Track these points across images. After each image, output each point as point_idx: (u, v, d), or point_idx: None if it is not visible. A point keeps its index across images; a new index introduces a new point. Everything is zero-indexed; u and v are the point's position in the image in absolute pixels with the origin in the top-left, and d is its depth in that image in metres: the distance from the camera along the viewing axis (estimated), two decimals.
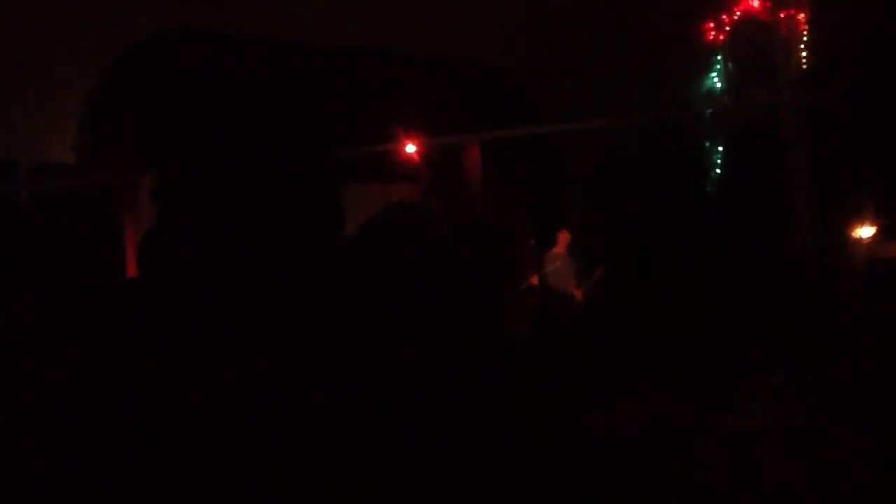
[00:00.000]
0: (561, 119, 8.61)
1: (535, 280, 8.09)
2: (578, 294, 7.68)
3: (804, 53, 7.60)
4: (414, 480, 0.83)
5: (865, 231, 6.20)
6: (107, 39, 7.33)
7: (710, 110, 8.57)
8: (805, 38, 7.73)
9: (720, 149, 8.46)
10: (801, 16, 7.80)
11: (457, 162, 9.34)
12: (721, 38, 8.37)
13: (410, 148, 7.99)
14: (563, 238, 8.15)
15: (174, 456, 0.85)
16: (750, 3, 8.15)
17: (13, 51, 6.84)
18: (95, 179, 5.97)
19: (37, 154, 6.77)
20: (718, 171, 8.45)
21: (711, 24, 8.37)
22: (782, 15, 7.83)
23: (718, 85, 8.40)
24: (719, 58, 8.40)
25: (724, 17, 8.31)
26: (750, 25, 8.20)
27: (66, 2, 7.04)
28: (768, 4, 8.02)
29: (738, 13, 8.22)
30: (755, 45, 8.12)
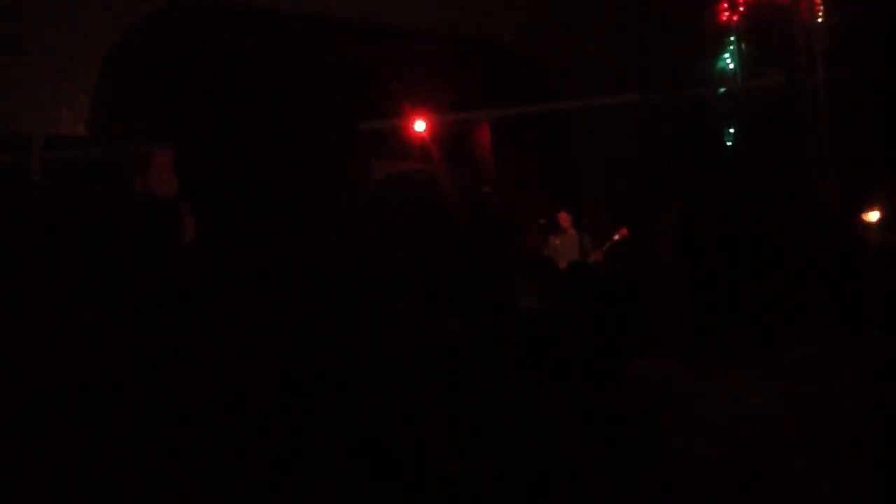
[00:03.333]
0: (573, 97, 8.57)
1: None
2: (598, 257, 7.86)
3: (821, 34, 7.53)
4: (445, 452, 0.85)
5: (873, 214, 6.18)
6: (119, 12, 7.34)
7: (722, 90, 8.52)
8: (821, 18, 7.65)
9: (732, 130, 8.42)
10: None
11: (467, 140, 9.32)
12: (735, 18, 8.31)
13: (420, 125, 7.97)
14: (563, 219, 8.22)
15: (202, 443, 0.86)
16: None
17: (26, 26, 6.85)
18: (108, 151, 6.00)
19: (50, 127, 6.81)
20: (731, 151, 8.43)
21: (725, 5, 8.31)
22: None
23: (731, 66, 8.36)
24: (732, 39, 8.34)
25: None
26: (765, 6, 8.13)
27: None
28: None
29: None
30: (770, 26, 8.05)
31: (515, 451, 0.88)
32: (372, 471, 0.80)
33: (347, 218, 1.00)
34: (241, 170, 0.95)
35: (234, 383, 0.83)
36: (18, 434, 0.91)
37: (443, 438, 0.84)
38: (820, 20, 7.68)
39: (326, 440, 0.81)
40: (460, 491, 0.82)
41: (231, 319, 0.87)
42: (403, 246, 1.37)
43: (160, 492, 0.81)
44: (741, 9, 8.26)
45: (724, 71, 8.41)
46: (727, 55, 8.40)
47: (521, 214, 7.58)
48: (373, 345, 0.86)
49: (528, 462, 0.89)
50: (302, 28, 7.40)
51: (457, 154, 8.80)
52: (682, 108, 8.33)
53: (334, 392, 0.83)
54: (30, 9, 6.85)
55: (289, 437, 0.81)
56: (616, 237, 8.01)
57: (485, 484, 0.84)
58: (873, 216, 6.18)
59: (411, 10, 8.24)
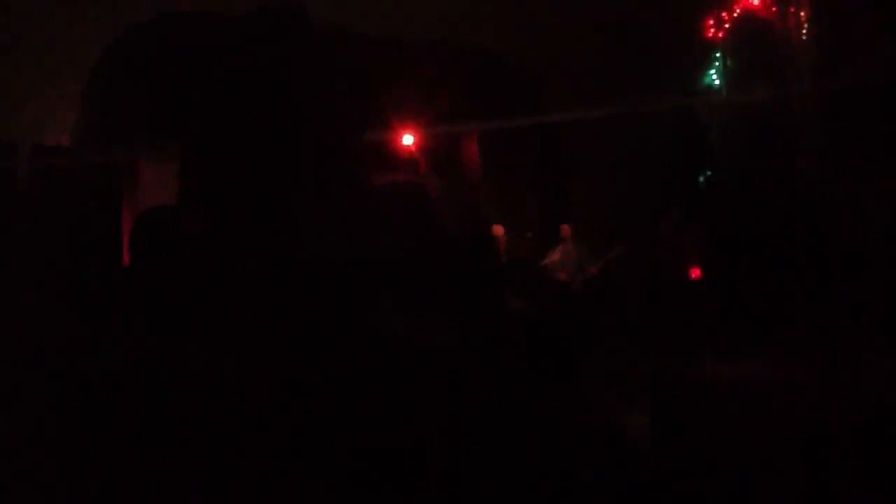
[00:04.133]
0: (564, 109, 8.61)
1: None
2: (594, 270, 7.96)
3: (805, 48, 7.65)
4: (434, 452, 0.85)
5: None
6: (105, 24, 7.33)
7: (709, 103, 8.62)
8: (805, 33, 7.77)
9: (718, 140, 8.51)
10: (802, 13, 7.82)
11: (456, 152, 9.32)
12: (721, 35, 8.40)
13: (409, 138, 7.97)
14: (564, 231, 8.26)
15: (181, 448, 0.86)
16: (749, 0, 8.18)
17: (13, 36, 6.83)
18: (94, 161, 5.98)
19: (36, 137, 6.78)
20: (716, 160, 8.52)
21: (711, 22, 8.40)
22: (783, 12, 7.86)
23: (717, 81, 8.45)
24: (718, 55, 8.43)
25: (724, 14, 8.34)
26: (750, 22, 8.22)
27: None
28: (768, 2, 8.05)
29: (737, 10, 8.25)
30: (756, 42, 8.14)
31: (511, 451, 0.89)
32: (366, 471, 0.81)
33: (346, 218, 1.00)
34: (241, 169, 0.96)
35: (233, 383, 0.83)
36: (20, 433, 0.91)
37: (435, 440, 0.85)
38: (804, 34, 7.79)
39: (320, 441, 0.81)
40: (458, 491, 0.83)
41: (230, 319, 0.88)
42: (393, 253, 1.38)
43: (160, 490, 0.81)
44: (727, 25, 8.36)
45: (711, 84, 8.49)
46: (713, 70, 8.48)
47: (511, 225, 7.62)
48: (363, 351, 0.87)
49: (526, 462, 0.90)
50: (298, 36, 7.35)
51: (448, 165, 8.81)
52: (670, 119, 8.42)
53: (329, 394, 0.83)
54: (18, 20, 6.83)
55: (283, 438, 0.81)
56: (612, 255, 8.06)
57: (481, 484, 0.85)
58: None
59: (404, 20, 8.26)
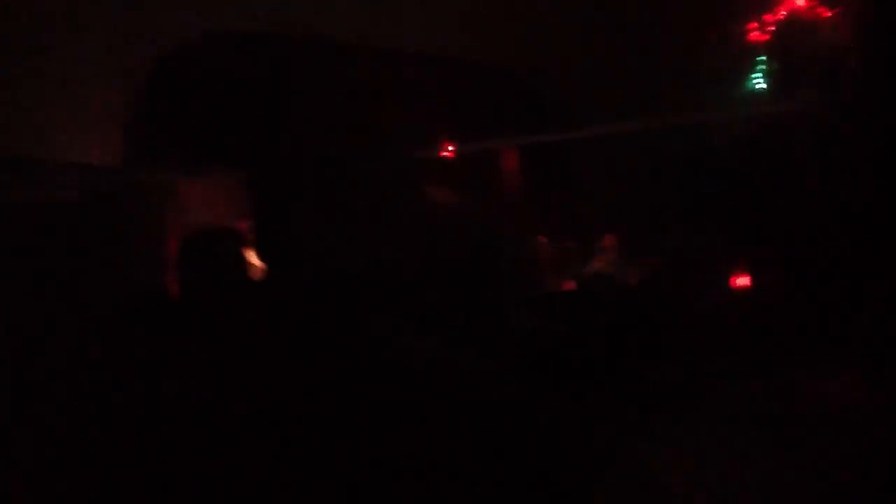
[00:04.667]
0: (585, 122, 8.56)
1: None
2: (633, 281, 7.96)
3: (854, 52, 7.49)
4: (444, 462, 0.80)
5: None
6: (140, 42, 7.43)
7: (743, 113, 8.47)
8: (852, 36, 7.62)
9: (752, 151, 8.37)
10: (848, 16, 7.66)
11: (488, 165, 9.34)
12: (764, 38, 8.24)
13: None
14: (608, 240, 8.20)
15: (187, 457, 0.82)
16: (795, 2, 8.03)
17: (41, 51, 6.93)
18: (138, 180, 6.04)
19: (81, 157, 6.86)
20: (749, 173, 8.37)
21: (754, 25, 8.25)
22: (829, 15, 7.71)
23: (761, 86, 8.29)
24: (762, 58, 8.28)
25: (768, 16, 8.18)
26: (795, 25, 8.07)
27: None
28: (814, 4, 7.90)
29: (782, 13, 8.09)
30: (800, 46, 8.01)
31: (509, 459, 0.84)
32: (363, 477, 0.77)
33: (350, 229, 0.94)
34: (279, 196, 0.91)
35: (237, 388, 0.79)
36: (21, 434, 0.89)
37: (435, 444, 0.80)
38: (851, 37, 7.63)
39: (318, 447, 0.77)
40: (457, 495, 0.79)
41: (232, 321, 0.84)
42: (396, 264, 1.34)
43: (161, 491, 0.78)
44: (771, 27, 8.19)
45: (754, 90, 8.33)
46: (756, 76, 8.33)
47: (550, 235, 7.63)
48: (364, 360, 0.83)
49: (525, 469, 0.85)
50: (332, 56, 7.41)
51: (479, 179, 8.80)
52: (700, 131, 8.33)
53: (328, 401, 0.79)
54: (50, 36, 6.94)
55: (283, 441, 0.77)
56: (650, 266, 8.04)
57: (478, 489, 0.80)
58: None
59: (423, 36, 8.28)
